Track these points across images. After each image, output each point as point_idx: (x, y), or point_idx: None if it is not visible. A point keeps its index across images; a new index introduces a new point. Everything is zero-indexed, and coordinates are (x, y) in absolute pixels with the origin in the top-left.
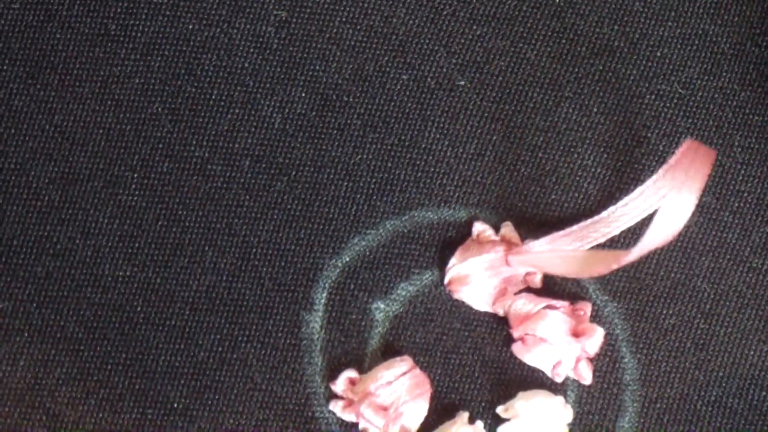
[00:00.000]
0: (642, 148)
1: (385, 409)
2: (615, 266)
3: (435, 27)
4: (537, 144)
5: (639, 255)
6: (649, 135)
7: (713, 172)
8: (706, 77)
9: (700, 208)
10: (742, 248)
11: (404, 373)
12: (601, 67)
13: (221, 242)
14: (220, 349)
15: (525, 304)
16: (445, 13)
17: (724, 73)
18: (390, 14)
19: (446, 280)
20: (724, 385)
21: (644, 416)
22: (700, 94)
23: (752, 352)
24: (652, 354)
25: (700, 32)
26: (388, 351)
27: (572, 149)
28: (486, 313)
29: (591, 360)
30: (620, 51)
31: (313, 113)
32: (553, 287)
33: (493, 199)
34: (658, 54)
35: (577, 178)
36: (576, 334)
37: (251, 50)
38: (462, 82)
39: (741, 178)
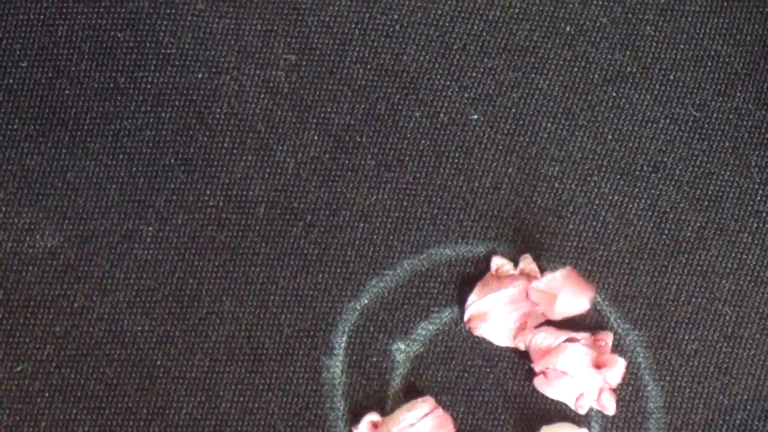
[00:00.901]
0: (659, 174)
1: None
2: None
3: (446, 62)
4: (553, 174)
5: None
6: (665, 160)
7: (732, 192)
8: (721, 98)
9: (719, 229)
10: (762, 269)
11: (426, 414)
12: (614, 94)
13: (239, 291)
14: (241, 399)
15: (546, 337)
16: (455, 47)
17: (739, 94)
18: (400, 52)
19: (466, 317)
20: (748, 408)
21: None
22: (715, 115)
23: None
24: (675, 380)
25: (713, 53)
26: (410, 392)
27: (588, 178)
28: (507, 348)
29: (614, 390)
30: (633, 76)
31: (327, 156)
32: (573, 319)
33: (510, 232)
34: (671, 77)
35: (595, 207)
36: (598, 365)
37: (262, 96)
38: (475, 116)
39: (759, 198)
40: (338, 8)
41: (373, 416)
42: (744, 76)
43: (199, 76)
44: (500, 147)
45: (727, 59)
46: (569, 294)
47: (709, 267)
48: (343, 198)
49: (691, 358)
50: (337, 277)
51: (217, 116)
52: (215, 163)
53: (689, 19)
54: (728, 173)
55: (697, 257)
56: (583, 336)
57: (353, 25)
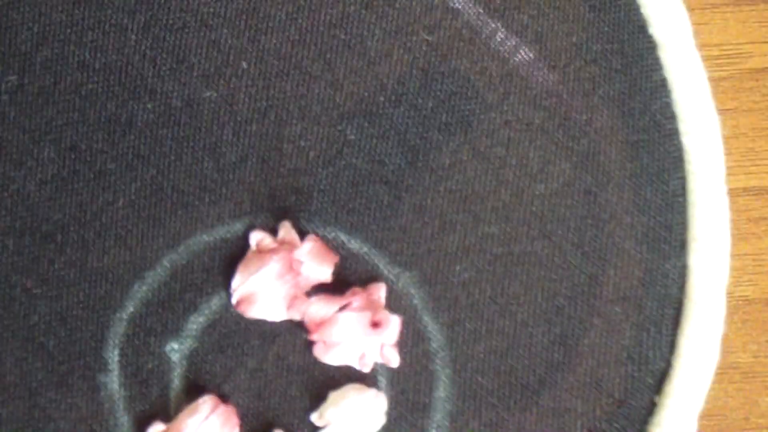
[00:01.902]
0: (402, 107)
1: None
2: None
3: (167, 45)
4: (297, 133)
5: None
6: (406, 91)
7: (479, 109)
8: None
9: (473, 150)
10: (521, 182)
11: (208, 416)
12: (342, 37)
13: (2, 323)
14: None
15: (319, 309)
16: (175, 27)
17: None
18: (120, 45)
19: (234, 302)
20: (530, 328)
21: (458, 380)
22: (447, 34)
23: (553, 285)
24: (453, 314)
25: None
26: (191, 390)
27: (333, 128)
28: (284, 322)
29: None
30: (358, 15)
31: (66, 170)
32: (346, 276)
33: (266, 202)
34: (396, 6)
35: (345, 156)
36: (375, 324)
37: None
38: (208, 93)
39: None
40: (50, 18)
41: (157, 426)
42: None
43: None
44: (239, 119)
45: None
46: (313, 263)
47: (469, 190)
48: (91, 209)
49: (465, 287)
50: (99, 290)
51: None
52: None
53: None
54: (470, 90)
55: (455, 182)
56: (356, 298)
57: (69, 31)
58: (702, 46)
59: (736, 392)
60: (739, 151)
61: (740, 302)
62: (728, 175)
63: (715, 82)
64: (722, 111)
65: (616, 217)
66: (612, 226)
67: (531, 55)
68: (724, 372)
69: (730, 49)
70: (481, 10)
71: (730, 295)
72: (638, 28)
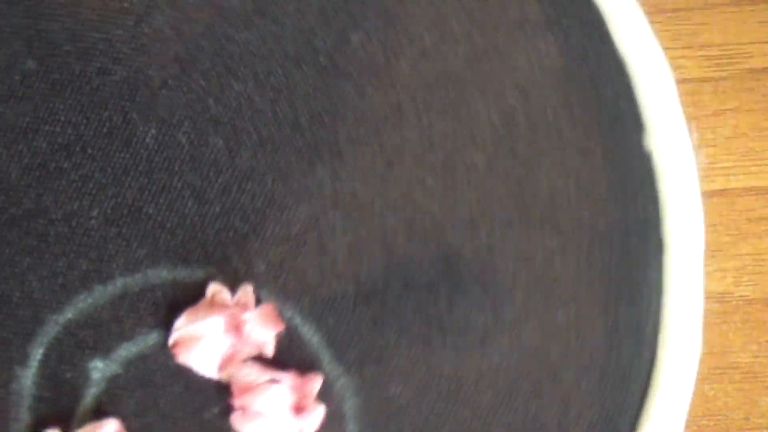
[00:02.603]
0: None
1: None
2: None
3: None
4: (288, 204)
5: None
6: None
7: None
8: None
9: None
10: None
11: None
12: None
13: None
14: None
15: (249, 374)
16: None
17: None
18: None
19: (171, 342)
20: None
21: None
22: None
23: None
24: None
25: None
26: (100, 413)
27: (324, 214)
28: (210, 380)
29: None
30: None
31: (48, 158)
32: (288, 356)
33: (237, 259)
34: None
35: (324, 242)
36: (298, 408)
37: None
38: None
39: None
40: (84, 16)
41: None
42: None
43: None
44: (236, 174)
45: None
46: (257, 325)
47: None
48: (65, 209)
49: (400, 411)
50: (46, 286)
51: None
52: None
53: None
54: None
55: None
56: (289, 377)
57: (99, 36)
58: (702, 46)
59: (736, 392)
60: (739, 151)
61: (740, 302)
62: (728, 175)
63: (715, 82)
64: (722, 111)
65: None
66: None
67: None
68: (724, 372)
69: (730, 49)
70: None
71: (730, 295)
72: None
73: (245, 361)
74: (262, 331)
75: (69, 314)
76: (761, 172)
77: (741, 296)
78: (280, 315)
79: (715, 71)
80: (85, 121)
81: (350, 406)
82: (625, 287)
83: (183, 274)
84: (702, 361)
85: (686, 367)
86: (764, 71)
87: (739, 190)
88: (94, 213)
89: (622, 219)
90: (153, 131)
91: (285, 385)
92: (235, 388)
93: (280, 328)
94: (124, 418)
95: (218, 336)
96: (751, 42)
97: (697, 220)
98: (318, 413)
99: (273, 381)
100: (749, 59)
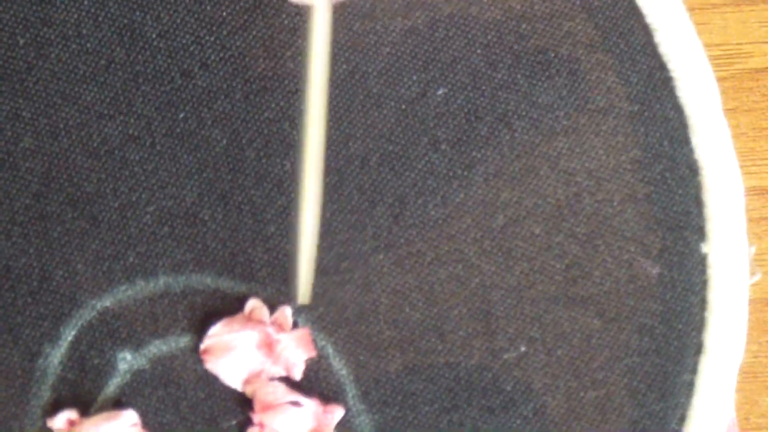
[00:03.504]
0: None
1: None
2: None
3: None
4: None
5: None
6: None
7: None
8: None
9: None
10: None
11: (125, 429)
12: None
13: None
14: None
15: (273, 392)
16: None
17: None
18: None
19: (202, 347)
20: None
21: None
22: None
23: None
24: None
25: None
26: (121, 403)
27: (368, 257)
28: (234, 391)
29: None
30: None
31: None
32: (314, 383)
33: (279, 280)
34: None
35: (369, 280)
36: None
37: None
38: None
39: None
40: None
41: (71, 414)
42: None
43: None
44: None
45: None
46: (291, 347)
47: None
48: (111, 196)
49: None
50: (89, 271)
51: None
52: None
53: None
54: None
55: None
56: (312, 403)
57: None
58: (702, 46)
59: (736, 392)
60: (740, 151)
61: None
62: None
63: (716, 82)
64: (722, 111)
65: None
66: None
67: None
68: None
69: (730, 49)
70: None
71: None
72: None
73: (272, 379)
74: (294, 353)
75: (107, 302)
76: (761, 172)
77: None
78: (314, 342)
79: (715, 71)
80: (159, 117)
81: None
82: (658, 381)
83: (226, 284)
84: None
85: None
86: (764, 71)
87: None
88: (150, 209)
89: (665, 314)
90: (224, 141)
91: (306, 410)
92: (257, 404)
93: (312, 354)
94: (142, 413)
95: (249, 350)
96: (751, 42)
97: (740, 330)
98: None
99: (295, 404)
100: (749, 59)
